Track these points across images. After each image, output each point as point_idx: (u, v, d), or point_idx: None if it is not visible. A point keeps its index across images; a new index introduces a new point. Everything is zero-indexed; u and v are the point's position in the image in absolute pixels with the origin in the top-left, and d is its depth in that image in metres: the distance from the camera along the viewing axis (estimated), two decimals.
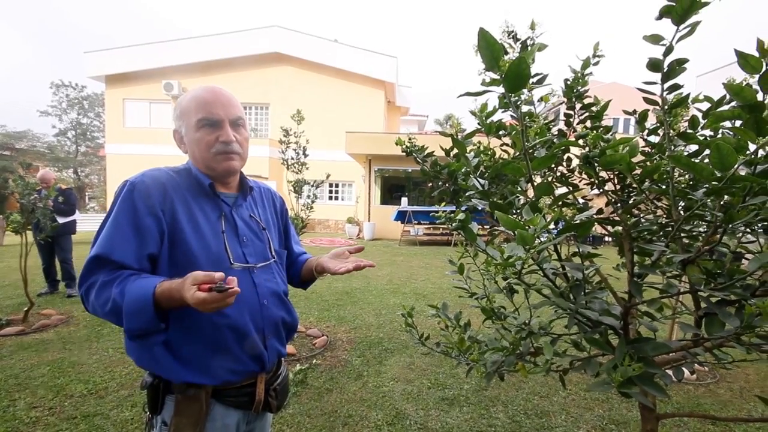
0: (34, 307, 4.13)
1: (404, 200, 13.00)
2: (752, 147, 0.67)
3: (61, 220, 4.94)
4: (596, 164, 0.91)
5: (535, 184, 0.83)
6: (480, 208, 1.12)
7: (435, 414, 2.43)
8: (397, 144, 1.78)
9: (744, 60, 0.69)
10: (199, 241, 0.95)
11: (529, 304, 0.99)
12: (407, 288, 5.83)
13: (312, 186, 4.17)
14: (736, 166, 0.64)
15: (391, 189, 15.00)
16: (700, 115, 1.05)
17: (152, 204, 0.92)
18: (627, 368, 0.66)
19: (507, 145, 1.37)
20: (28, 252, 4.11)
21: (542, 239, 0.76)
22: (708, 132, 1.09)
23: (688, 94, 0.91)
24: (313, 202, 4.04)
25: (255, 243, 1.07)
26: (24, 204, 4.23)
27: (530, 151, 0.96)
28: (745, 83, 0.80)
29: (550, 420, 2.37)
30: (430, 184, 1.68)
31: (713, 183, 0.66)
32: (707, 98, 1.05)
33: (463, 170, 1.32)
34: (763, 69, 0.67)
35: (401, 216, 11.84)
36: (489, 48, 0.76)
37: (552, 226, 0.84)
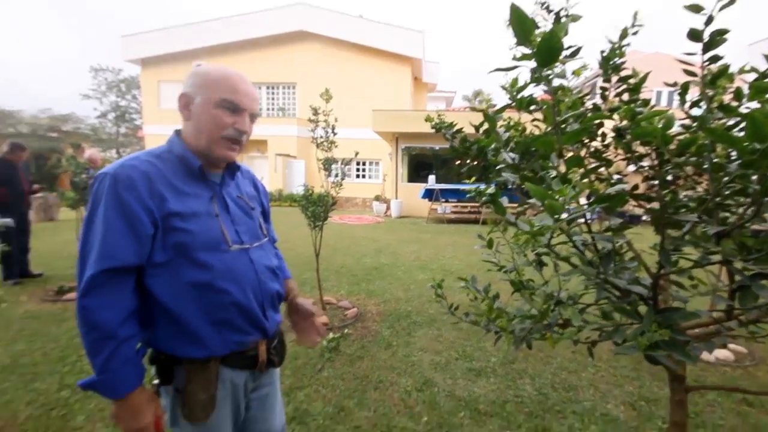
0: None
1: (431, 178, 12.90)
2: None
3: None
4: (629, 137, 0.91)
5: (566, 157, 0.84)
6: (510, 184, 1.14)
7: (462, 383, 2.52)
8: (426, 120, 1.80)
9: None
10: (195, 226, 0.96)
11: (558, 275, 1.02)
12: (435, 264, 5.90)
13: (341, 164, 4.24)
14: None
15: (418, 167, 14.88)
16: (746, 87, 1.01)
17: (140, 195, 0.91)
18: (654, 334, 0.69)
19: (538, 120, 1.36)
20: None
21: (571, 211, 0.79)
22: (755, 104, 1.05)
23: (728, 66, 0.88)
24: (342, 179, 4.11)
25: (246, 222, 1.10)
26: (76, 182, 4.56)
27: (562, 125, 0.97)
28: None
29: (578, 394, 2.41)
30: (458, 162, 1.69)
31: (749, 155, 0.66)
32: (754, 69, 1.01)
33: (492, 146, 1.34)
34: None
35: (428, 194, 11.79)
36: (520, 23, 0.77)
37: (584, 201, 0.86)
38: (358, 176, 17.95)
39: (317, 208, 3.92)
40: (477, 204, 11.60)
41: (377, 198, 15.19)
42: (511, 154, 0.95)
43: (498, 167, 1.02)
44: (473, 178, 1.37)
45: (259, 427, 1.17)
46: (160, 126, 18.28)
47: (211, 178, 1.05)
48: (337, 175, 4.30)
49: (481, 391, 2.43)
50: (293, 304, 1.24)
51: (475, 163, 1.57)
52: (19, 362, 2.74)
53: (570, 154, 1.48)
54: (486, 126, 1.32)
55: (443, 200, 11.87)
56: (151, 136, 18.69)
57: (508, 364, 2.77)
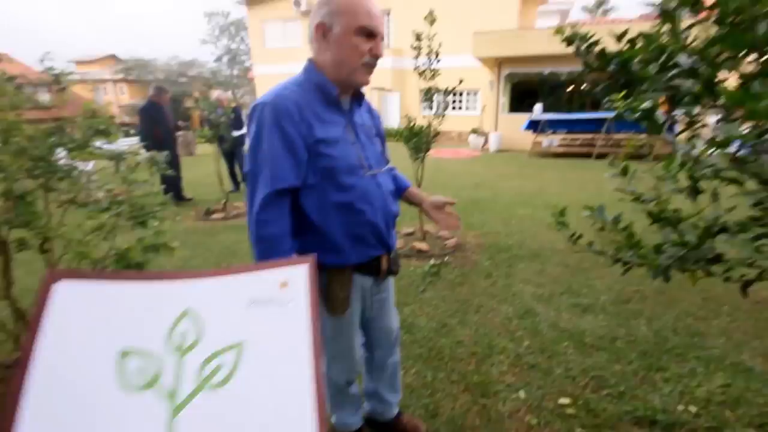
0: (228, 201, 5.37)
1: (537, 107, 11.69)
2: None
3: (235, 133, 6.01)
4: None
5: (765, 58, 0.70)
6: (675, 103, 0.99)
7: (567, 317, 2.50)
8: (556, 33, 1.60)
9: None
10: (337, 152, 1.06)
11: (718, 202, 0.91)
12: (538, 200, 5.58)
13: (444, 94, 4.07)
14: None
15: (522, 95, 13.51)
16: None
17: (296, 123, 1.01)
18: None
19: (702, 22, 1.12)
20: (220, 159, 5.21)
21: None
22: None
23: None
24: (445, 109, 3.98)
25: (371, 148, 1.18)
26: (211, 119, 5.24)
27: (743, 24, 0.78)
28: None
29: (705, 341, 2.21)
30: (571, 87, 1.50)
31: None
32: None
33: (638, 58, 1.16)
34: None
35: (533, 125, 10.77)
36: None
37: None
38: (453, 108, 17.06)
39: (419, 139, 3.92)
40: (590, 135, 10.28)
41: (474, 131, 14.43)
42: (687, 59, 0.81)
43: (672, 72, 0.88)
44: (615, 96, 1.22)
45: (380, 324, 1.41)
46: (266, 65, 19.36)
47: (343, 106, 1.13)
48: (439, 106, 4.17)
49: (587, 326, 2.38)
50: (430, 202, 1.35)
51: (615, 79, 1.39)
52: (187, 265, 3.50)
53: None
54: (627, 37, 1.15)
55: (550, 132, 10.78)
56: (260, 77, 19.98)
57: (621, 304, 2.63)
